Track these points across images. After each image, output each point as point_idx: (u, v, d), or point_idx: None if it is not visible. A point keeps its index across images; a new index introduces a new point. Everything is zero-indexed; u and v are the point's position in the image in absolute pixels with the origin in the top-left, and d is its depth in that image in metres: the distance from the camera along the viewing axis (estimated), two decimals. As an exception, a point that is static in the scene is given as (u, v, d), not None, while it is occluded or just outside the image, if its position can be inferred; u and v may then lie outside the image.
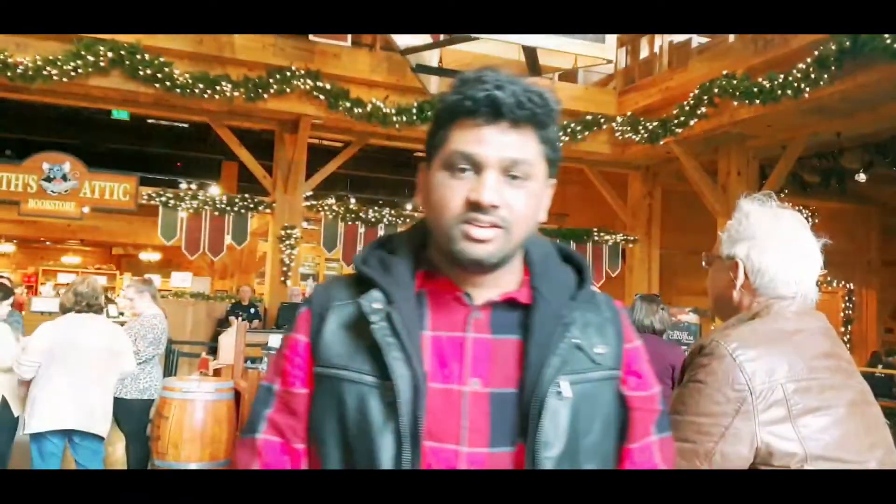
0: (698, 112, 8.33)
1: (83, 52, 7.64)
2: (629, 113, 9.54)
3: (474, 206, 1.05)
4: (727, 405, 1.49)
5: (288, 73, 8.32)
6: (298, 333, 1.18)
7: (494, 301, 1.13)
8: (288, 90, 8.37)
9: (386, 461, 1.05)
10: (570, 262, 1.24)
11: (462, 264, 1.10)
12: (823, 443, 1.48)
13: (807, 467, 1.47)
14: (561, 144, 1.14)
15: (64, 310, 4.84)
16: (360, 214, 9.89)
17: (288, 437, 1.16)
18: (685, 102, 8.47)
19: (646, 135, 9.21)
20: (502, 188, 1.06)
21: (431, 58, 6.82)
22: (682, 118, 8.53)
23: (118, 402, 5.18)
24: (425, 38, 6.48)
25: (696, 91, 8.29)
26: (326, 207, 9.73)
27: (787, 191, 11.40)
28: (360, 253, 1.21)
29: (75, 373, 4.61)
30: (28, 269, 20.60)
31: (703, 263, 1.86)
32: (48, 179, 8.82)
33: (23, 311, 9.39)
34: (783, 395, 1.49)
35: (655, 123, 9.04)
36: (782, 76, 7.23)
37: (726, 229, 1.77)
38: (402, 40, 6.62)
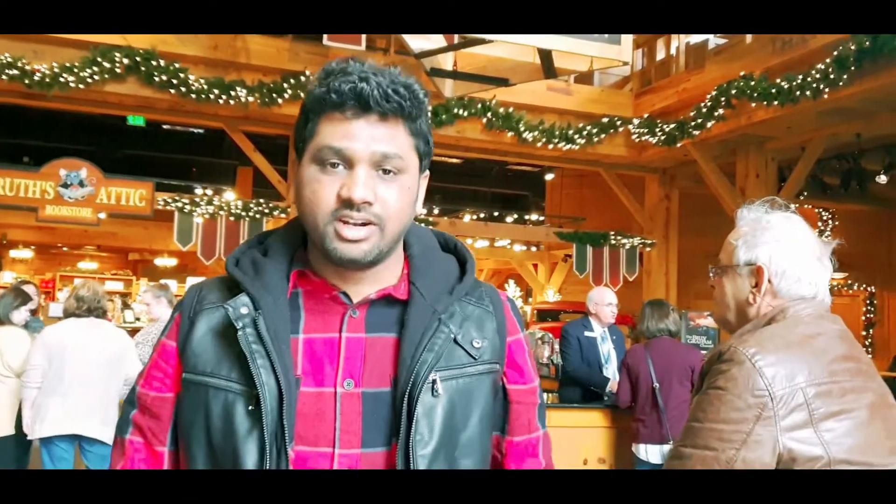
0: (715, 114, 8.24)
1: (99, 59, 7.67)
2: (646, 115, 9.46)
3: (346, 203, 1.04)
4: (748, 411, 1.47)
5: (302, 78, 8.32)
6: (168, 338, 1.16)
7: (371, 299, 1.12)
8: (302, 95, 8.35)
9: (249, 467, 1.03)
10: (456, 254, 1.23)
11: (337, 263, 1.08)
12: (846, 446, 1.46)
13: None
14: (431, 139, 1.13)
15: (67, 314, 4.87)
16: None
17: (150, 441, 1.15)
18: (702, 104, 8.39)
19: (663, 137, 9.13)
20: (374, 183, 1.05)
21: (446, 61, 6.80)
22: (700, 120, 8.45)
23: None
24: (439, 42, 6.46)
25: (714, 93, 8.20)
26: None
27: (806, 193, 11.29)
28: (234, 253, 1.18)
29: (78, 377, 4.63)
30: (45, 275, 20.72)
31: (711, 275, 1.84)
32: (65, 186, 8.86)
33: (40, 317, 9.42)
34: (804, 399, 1.47)
35: (672, 125, 8.97)
36: (801, 77, 7.14)
37: (739, 237, 1.75)
38: (416, 44, 6.60)
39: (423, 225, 1.25)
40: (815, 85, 6.99)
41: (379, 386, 1.08)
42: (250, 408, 1.04)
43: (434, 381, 1.07)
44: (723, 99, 8.09)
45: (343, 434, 1.06)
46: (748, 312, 1.72)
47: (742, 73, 7.84)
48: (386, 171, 1.05)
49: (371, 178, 1.04)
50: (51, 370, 4.59)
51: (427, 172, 1.17)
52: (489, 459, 1.17)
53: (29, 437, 4.62)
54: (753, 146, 9.03)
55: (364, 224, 1.05)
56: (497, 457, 1.21)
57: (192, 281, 14.73)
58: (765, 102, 7.57)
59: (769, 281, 1.68)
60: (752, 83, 7.69)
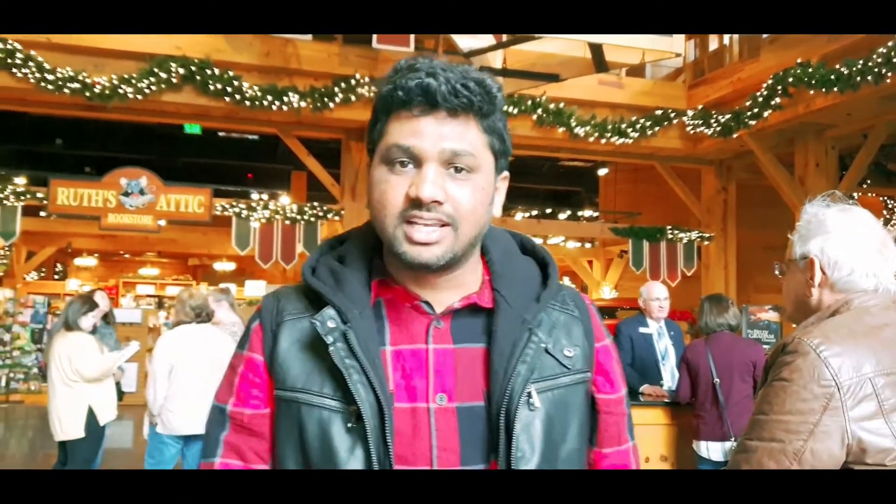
0: (772, 103, 8.06)
1: (156, 70, 7.86)
2: (700, 106, 9.31)
3: (415, 203, 0.99)
4: (814, 402, 1.46)
5: (353, 82, 8.39)
6: (252, 352, 1.11)
7: (455, 308, 1.07)
8: (353, 98, 8.45)
9: None
10: (534, 257, 1.18)
11: (409, 268, 1.03)
12: None
13: None
14: (507, 137, 1.07)
15: (181, 324, 5.04)
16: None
17: (248, 460, 1.09)
18: (758, 93, 8.21)
19: (718, 128, 8.97)
20: (445, 182, 1.00)
21: (495, 59, 6.78)
22: (756, 110, 8.28)
23: None
24: (488, 40, 6.45)
25: (770, 81, 8.02)
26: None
27: (869, 181, 10.98)
28: (309, 260, 1.13)
29: (202, 379, 4.81)
30: (109, 282, 21.32)
31: (777, 273, 1.83)
32: (126, 194, 9.09)
33: (111, 325, 9.69)
34: (873, 389, 1.45)
35: (728, 116, 8.80)
36: (861, 62, 6.94)
37: (795, 231, 1.74)
38: (465, 43, 6.60)
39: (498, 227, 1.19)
40: (876, 70, 6.79)
41: (472, 400, 1.04)
42: (349, 425, 1.00)
43: (530, 394, 1.02)
44: (779, 87, 7.91)
45: (441, 452, 1.01)
46: (808, 305, 1.72)
47: (799, 61, 7.65)
48: (458, 170, 1.00)
49: (441, 177, 1.00)
50: (176, 373, 4.80)
51: (506, 174, 1.10)
52: None
53: (160, 431, 4.83)
54: (812, 135, 8.82)
55: (435, 225, 1.00)
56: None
57: (250, 284, 14.99)
58: (823, 89, 7.38)
59: (823, 272, 1.67)
60: (810, 70, 7.50)
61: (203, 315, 5.02)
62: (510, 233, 1.20)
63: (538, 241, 1.22)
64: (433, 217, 0.99)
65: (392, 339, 1.06)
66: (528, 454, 1.01)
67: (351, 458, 0.99)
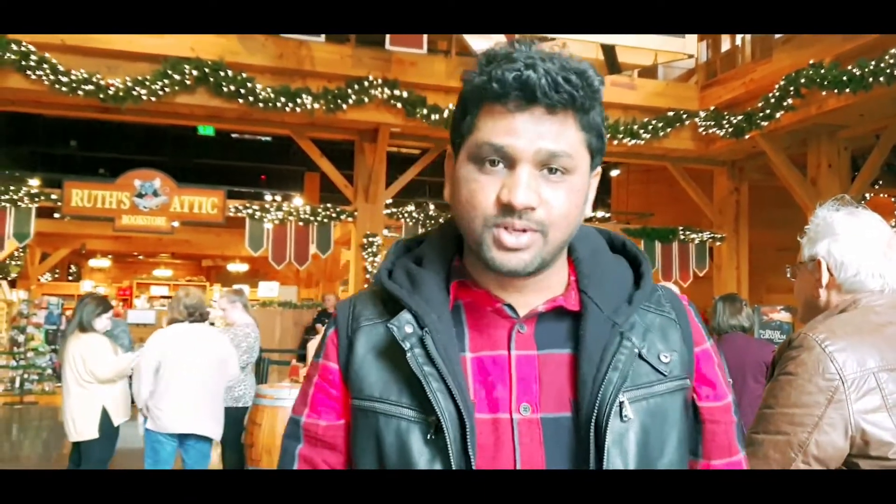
0: (785, 104, 8.05)
1: (169, 72, 7.91)
2: (712, 107, 9.30)
3: (506, 208, 0.91)
4: (819, 395, 1.48)
5: (366, 83, 8.43)
6: (328, 360, 1.05)
7: (539, 311, 1.00)
8: (366, 100, 8.48)
9: None
10: (625, 255, 1.09)
11: (495, 273, 0.97)
12: None
13: None
14: (604, 131, 0.99)
15: (175, 322, 5.04)
16: (440, 220, 9.90)
17: None
18: (770, 94, 8.20)
19: (730, 129, 8.96)
20: (539, 185, 0.92)
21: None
22: (768, 111, 8.26)
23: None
24: (500, 41, 6.46)
25: (782, 82, 8.01)
26: (406, 214, 9.81)
27: (881, 182, 10.93)
28: (385, 262, 1.07)
29: (192, 379, 4.82)
30: (123, 283, 21.45)
31: (788, 275, 1.87)
32: (140, 196, 9.15)
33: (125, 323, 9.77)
34: (877, 384, 1.48)
35: (740, 117, 8.79)
36: (874, 63, 6.92)
37: (805, 234, 1.79)
38: (477, 45, 6.62)
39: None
40: (888, 70, 6.78)
41: (558, 410, 0.96)
42: (429, 437, 0.93)
43: (622, 404, 0.94)
44: (792, 88, 7.89)
45: (525, 466, 0.94)
46: (817, 306, 1.75)
47: (811, 62, 7.63)
48: (552, 171, 0.92)
49: (535, 179, 0.92)
50: (165, 371, 4.80)
51: (599, 170, 1.03)
52: None
53: (149, 428, 4.84)
54: (825, 135, 8.79)
55: (526, 231, 0.93)
56: None
57: (263, 285, 15.06)
58: (836, 90, 7.36)
59: (830, 273, 1.70)
60: (823, 71, 7.48)
61: (196, 315, 5.00)
62: (598, 230, 1.13)
63: (628, 238, 1.14)
64: (524, 224, 0.92)
65: (472, 345, 1.00)
66: (621, 468, 0.94)
67: None
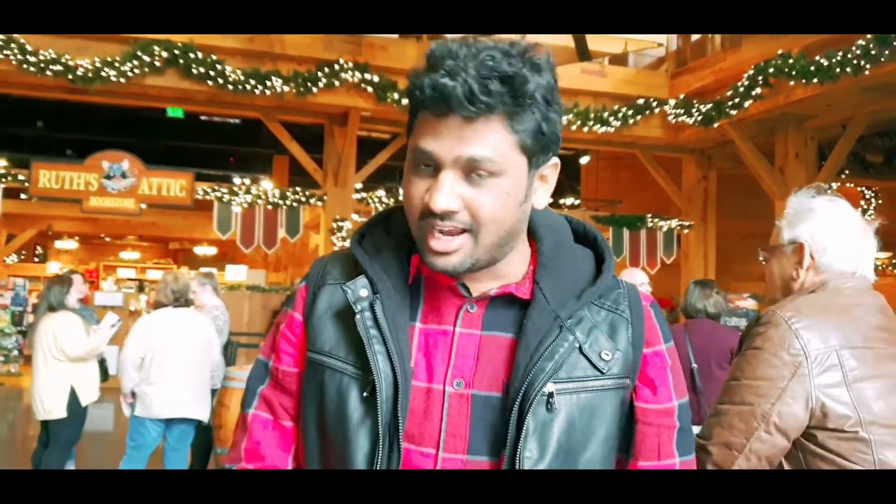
0: (753, 93, 8.15)
1: (139, 53, 7.82)
2: (682, 96, 9.38)
3: (430, 210, 0.94)
4: (784, 368, 1.56)
5: (336, 67, 8.40)
6: (295, 311, 1.11)
7: (491, 295, 1.03)
8: (337, 83, 8.45)
9: (360, 458, 0.99)
10: (595, 250, 1.11)
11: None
12: (877, 409, 1.54)
13: (860, 432, 1.53)
14: (551, 126, 0.97)
15: (160, 307, 5.03)
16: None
17: (278, 415, 1.10)
18: (739, 84, 8.30)
19: (699, 117, 9.05)
20: (462, 189, 0.94)
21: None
22: (737, 100, 8.36)
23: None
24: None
25: (751, 71, 8.11)
26: (376, 199, 9.81)
27: (848, 172, 11.11)
28: (361, 227, 1.12)
29: (181, 364, 4.82)
30: (90, 265, 21.18)
31: (761, 259, 1.91)
32: (108, 177, 9.05)
33: (88, 306, 9.67)
34: (838, 360, 1.55)
35: (709, 106, 8.89)
36: (841, 54, 7.03)
37: (784, 218, 1.82)
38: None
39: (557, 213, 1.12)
40: (855, 61, 6.89)
41: (490, 390, 1.00)
42: (365, 394, 0.99)
43: (551, 394, 0.97)
44: (760, 78, 8.00)
45: (449, 437, 0.99)
46: (793, 288, 1.80)
47: (780, 52, 7.73)
48: (479, 174, 0.93)
49: (458, 184, 0.93)
50: (154, 358, 4.80)
51: (554, 161, 1.02)
52: None
53: (137, 414, 4.83)
54: (793, 125, 8.92)
55: (452, 233, 0.95)
56: None
57: (231, 269, 14.96)
58: (804, 80, 7.47)
59: (811, 257, 1.75)
60: (791, 61, 7.59)
61: (182, 300, 5.02)
62: (571, 220, 1.14)
63: (600, 234, 1.14)
64: (450, 225, 0.95)
65: (423, 316, 1.04)
66: (537, 456, 0.96)
67: (361, 428, 0.99)
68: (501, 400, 0.99)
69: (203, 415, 4.99)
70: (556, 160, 1.03)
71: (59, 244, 20.92)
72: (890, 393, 1.57)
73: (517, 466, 0.96)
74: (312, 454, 1.05)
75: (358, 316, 1.00)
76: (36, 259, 21.75)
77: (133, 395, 4.91)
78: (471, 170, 0.94)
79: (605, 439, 1.02)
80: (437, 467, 0.99)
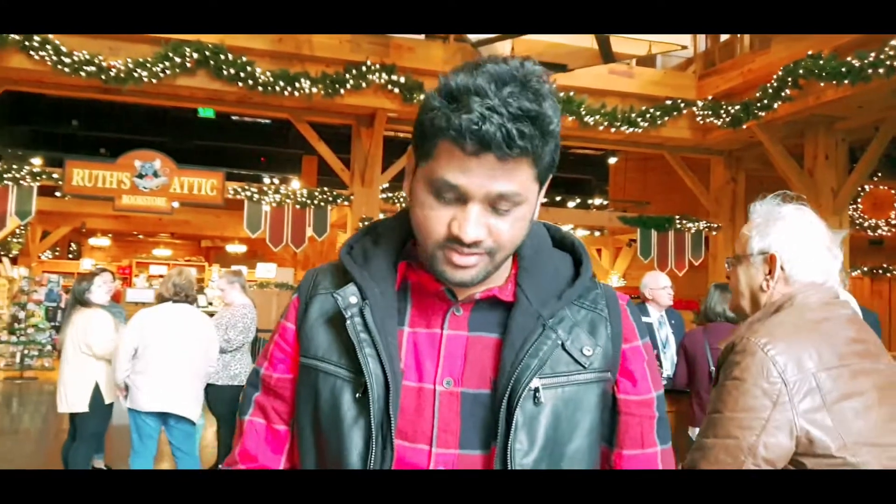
0: (783, 94, 8.07)
1: (170, 54, 7.94)
2: (710, 97, 9.33)
3: (457, 239, 0.99)
4: (764, 398, 1.53)
5: (363, 68, 8.46)
6: (287, 320, 1.17)
7: (476, 298, 1.09)
8: (364, 85, 8.52)
9: (354, 457, 1.03)
10: (573, 254, 1.17)
11: (443, 284, 1.06)
12: (856, 428, 1.52)
13: (849, 458, 1.50)
14: (557, 153, 1.03)
15: (162, 300, 5.05)
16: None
17: (272, 420, 1.16)
18: (768, 85, 8.23)
19: (728, 119, 8.99)
20: (487, 219, 1.00)
21: (504, 48, 6.83)
22: (766, 101, 8.29)
23: (211, 388, 5.41)
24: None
25: (780, 73, 8.03)
26: (403, 199, 9.86)
27: (880, 174, 10.96)
28: (349, 240, 1.18)
29: (171, 359, 4.83)
30: (122, 262, 21.51)
31: (728, 266, 1.89)
32: (140, 176, 9.20)
33: (120, 303, 9.83)
34: (815, 384, 1.53)
35: (737, 107, 8.82)
36: (873, 54, 6.94)
37: (752, 227, 1.81)
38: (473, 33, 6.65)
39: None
40: (888, 62, 6.80)
41: (478, 387, 1.05)
42: (357, 395, 1.04)
43: (537, 389, 1.03)
44: (790, 79, 7.92)
45: (441, 433, 1.04)
46: (761, 299, 1.78)
47: (810, 52, 7.65)
48: (502, 207, 0.99)
49: (484, 215, 0.99)
50: (145, 350, 4.82)
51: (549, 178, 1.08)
52: None
53: (129, 406, 4.85)
54: (823, 127, 8.82)
55: (474, 255, 1.01)
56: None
57: (261, 267, 15.12)
58: (834, 82, 7.38)
59: (781, 268, 1.74)
60: (821, 62, 7.51)
61: (182, 295, 5.00)
62: (549, 227, 1.20)
63: (577, 239, 1.21)
64: (475, 250, 1.00)
65: (411, 321, 1.10)
66: (527, 447, 1.02)
67: (354, 427, 1.04)
68: (490, 396, 1.05)
69: (193, 413, 4.95)
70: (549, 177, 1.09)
71: (92, 241, 21.27)
72: (867, 410, 1.54)
73: (508, 458, 1.01)
74: (307, 454, 1.11)
75: (348, 321, 1.06)
76: (70, 256, 22.11)
77: (127, 387, 4.92)
78: (497, 202, 0.99)
79: (589, 430, 1.08)
80: (431, 462, 1.04)
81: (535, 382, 1.03)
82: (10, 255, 16.07)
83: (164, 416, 4.89)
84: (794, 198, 1.81)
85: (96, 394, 5.25)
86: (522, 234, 1.05)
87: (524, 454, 1.02)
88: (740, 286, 1.83)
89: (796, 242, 1.73)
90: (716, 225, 10.70)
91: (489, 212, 0.99)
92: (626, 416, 1.13)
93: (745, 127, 8.80)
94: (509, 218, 1.00)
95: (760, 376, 1.55)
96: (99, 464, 6.12)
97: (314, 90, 8.39)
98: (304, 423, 1.11)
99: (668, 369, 5.36)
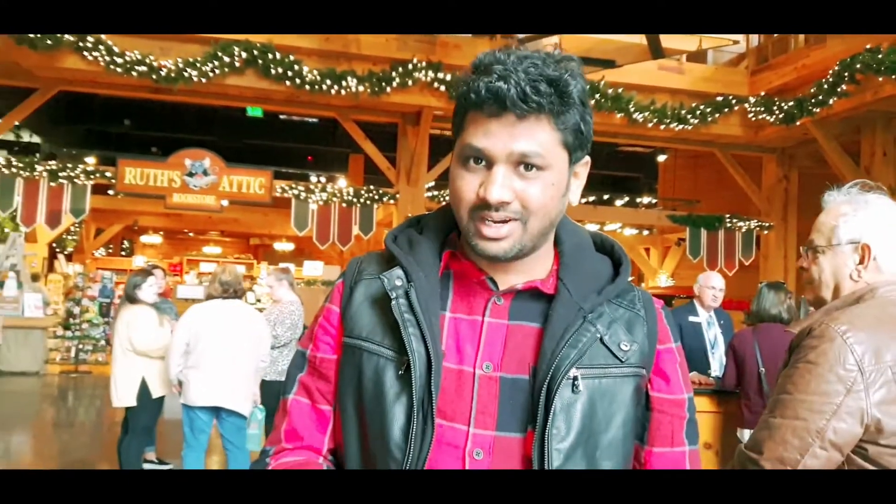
0: (838, 90, 7.87)
1: (219, 54, 8.05)
2: (762, 93, 9.14)
3: (484, 203, 1.03)
4: (838, 384, 1.53)
5: (410, 66, 8.47)
6: (332, 303, 1.20)
7: (517, 289, 1.12)
8: (410, 83, 8.53)
9: (396, 430, 1.06)
10: (612, 256, 1.20)
11: (480, 257, 1.10)
12: None
13: None
14: (587, 126, 1.07)
15: (210, 297, 5.13)
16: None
17: (316, 400, 1.19)
18: (823, 80, 8.03)
19: (781, 115, 8.80)
20: (513, 181, 1.03)
21: (550, 45, 6.78)
22: (821, 97, 8.10)
23: (262, 383, 5.47)
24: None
25: (836, 67, 7.83)
26: (447, 197, 9.85)
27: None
28: (394, 230, 1.22)
29: (222, 354, 4.90)
30: (173, 259, 21.93)
31: (808, 255, 1.83)
32: (190, 175, 9.35)
33: (170, 299, 10.00)
34: (892, 376, 1.52)
35: (791, 103, 8.63)
36: (934, 48, 6.74)
37: (838, 216, 1.76)
38: (522, 28, 6.60)
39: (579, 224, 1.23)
40: (949, 56, 6.59)
41: (517, 373, 1.08)
42: (400, 373, 1.07)
43: (575, 378, 1.06)
44: (846, 74, 7.72)
45: (479, 414, 1.07)
46: (846, 289, 1.74)
47: (868, 47, 7.44)
48: (528, 167, 1.03)
49: (509, 177, 1.03)
50: (197, 346, 4.90)
51: (586, 159, 1.13)
52: (629, 465, 1.14)
53: (182, 402, 4.95)
54: (880, 123, 8.59)
55: (505, 221, 1.05)
56: (636, 466, 1.16)
57: (308, 264, 15.27)
58: (893, 76, 7.18)
59: (874, 258, 1.70)
60: (880, 56, 7.30)
61: (231, 291, 5.05)
62: (592, 232, 1.24)
63: (593, 227, 1.23)
64: (502, 215, 1.04)
65: (453, 307, 1.13)
66: (564, 433, 1.04)
67: (397, 403, 1.07)
68: (529, 382, 1.08)
69: (244, 408, 5.00)
70: (587, 158, 1.14)
71: (144, 239, 21.72)
72: None
73: (546, 442, 1.04)
74: (350, 433, 1.13)
75: (393, 302, 1.09)
76: (122, 253, 22.62)
77: (180, 383, 5.00)
78: (520, 164, 1.03)
79: (623, 422, 1.10)
80: (469, 442, 1.07)
81: (574, 371, 1.06)
82: (66, 252, 16.50)
83: (216, 410, 4.96)
84: (874, 187, 1.77)
85: (144, 388, 5.35)
86: (554, 205, 1.07)
87: (561, 439, 1.04)
88: (825, 276, 1.79)
89: (889, 231, 1.70)
90: (767, 224, 10.49)
91: (515, 174, 1.03)
92: (658, 413, 1.16)
93: (798, 124, 8.61)
94: (538, 183, 1.04)
95: (837, 362, 1.54)
96: (150, 456, 6.24)
97: (361, 88, 8.43)
98: (347, 402, 1.14)
99: (716, 370, 5.26)
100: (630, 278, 1.19)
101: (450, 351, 1.10)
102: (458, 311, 1.13)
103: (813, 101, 8.21)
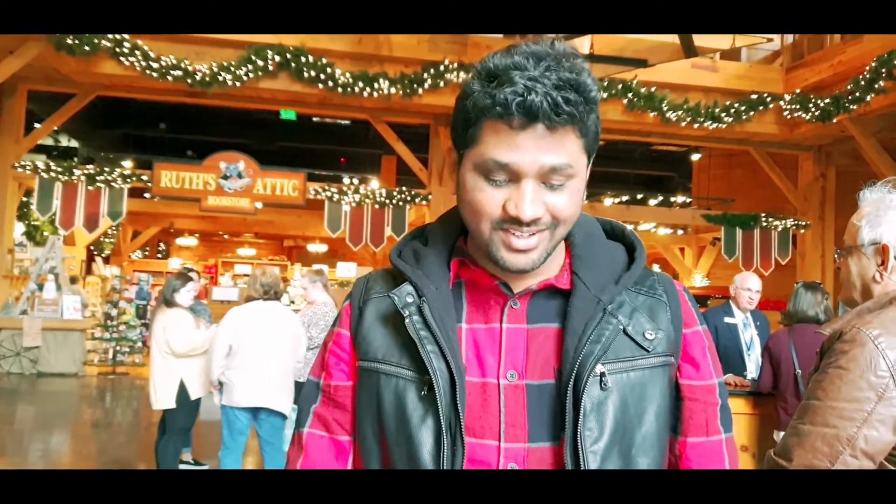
0: (876, 86, 7.74)
1: (253, 58, 8.14)
2: (798, 90, 9.01)
3: (514, 220, 0.97)
4: (870, 391, 1.48)
5: (441, 68, 8.49)
6: (341, 327, 1.15)
7: (533, 290, 1.06)
8: (442, 84, 8.55)
9: (426, 455, 1.00)
10: (624, 242, 1.15)
11: (503, 270, 1.03)
12: None
13: None
14: (599, 124, 1.02)
15: (251, 300, 5.19)
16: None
17: (333, 431, 1.13)
18: (861, 77, 7.90)
19: (817, 113, 8.67)
20: (543, 195, 0.98)
21: (582, 43, 6.75)
22: (858, 94, 7.97)
23: (295, 384, 5.52)
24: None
25: (874, 63, 7.71)
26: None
27: (983, 168, 10.41)
28: (397, 245, 1.16)
29: (264, 355, 4.95)
30: (209, 261, 22.17)
31: (837, 258, 1.81)
32: (225, 177, 9.46)
33: (205, 301, 10.11)
34: None
35: (827, 100, 8.50)
36: (974, 43, 6.60)
37: (862, 217, 1.73)
38: (554, 29, 6.59)
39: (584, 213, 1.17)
40: None
41: (543, 378, 1.03)
42: (423, 393, 1.02)
43: (602, 374, 1.00)
44: (883, 70, 7.59)
45: (508, 427, 1.01)
46: (874, 291, 1.70)
47: (906, 42, 7.32)
48: (556, 178, 0.97)
49: (539, 192, 0.97)
50: (239, 348, 4.95)
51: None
52: (665, 459, 1.08)
53: (224, 403, 5.00)
54: (920, 119, 8.44)
55: (533, 234, 0.99)
56: (671, 459, 1.11)
57: (342, 266, 15.36)
58: (932, 72, 7.05)
59: (895, 258, 1.66)
60: (918, 52, 7.18)
61: (271, 293, 5.10)
62: (599, 219, 1.19)
63: (628, 227, 1.19)
64: (534, 229, 0.99)
65: (468, 317, 1.08)
66: (597, 433, 0.99)
67: (423, 426, 1.01)
68: (555, 386, 1.02)
69: (285, 407, 5.04)
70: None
71: (180, 241, 22.01)
72: None
73: (579, 445, 0.98)
74: (372, 460, 1.08)
75: (407, 320, 1.04)
76: (159, 255, 22.91)
77: (221, 384, 5.03)
78: (549, 176, 0.97)
79: (657, 414, 1.05)
80: (501, 457, 1.01)
81: (600, 368, 1.01)
82: (103, 255, 16.77)
83: (255, 411, 5.01)
84: None
85: (182, 390, 5.42)
86: (579, 208, 1.03)
87: (594, 440, 0.99)
88: (852, 278, 1.76)
89: None
90: (804, 223, 10.34)
91: (543, 188, 0.98)
92: (690, 401, 1.10)
93: (835, 121, 8.48)
94: (565, 192, 0.99)
95: (868, 368, 1.50)
96: (186, 457, 6.31)
97: (393, 90, 8.47)
98: (367, 430, 1.08)
99: (752, 371, 5.20)
100: (645, 261, 1.13)
101: (471, 364, 1.04)
102: (475, 320, 1.08)
103: (850, 97, 8.09)
